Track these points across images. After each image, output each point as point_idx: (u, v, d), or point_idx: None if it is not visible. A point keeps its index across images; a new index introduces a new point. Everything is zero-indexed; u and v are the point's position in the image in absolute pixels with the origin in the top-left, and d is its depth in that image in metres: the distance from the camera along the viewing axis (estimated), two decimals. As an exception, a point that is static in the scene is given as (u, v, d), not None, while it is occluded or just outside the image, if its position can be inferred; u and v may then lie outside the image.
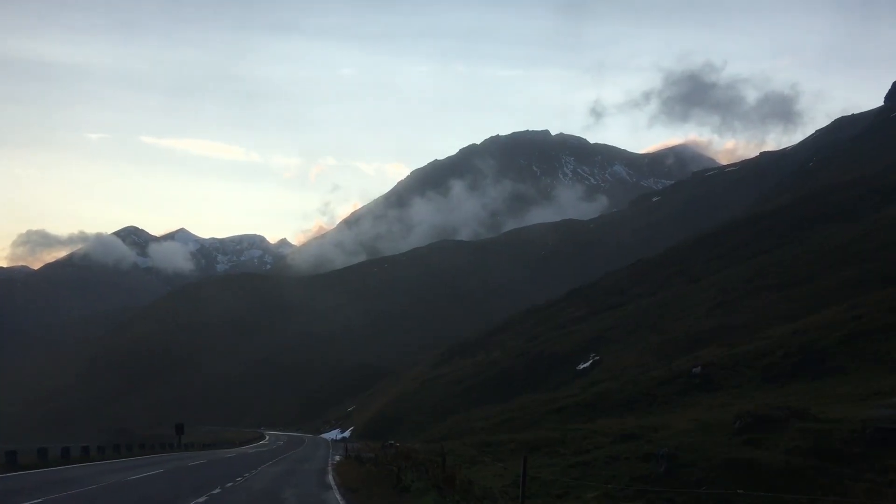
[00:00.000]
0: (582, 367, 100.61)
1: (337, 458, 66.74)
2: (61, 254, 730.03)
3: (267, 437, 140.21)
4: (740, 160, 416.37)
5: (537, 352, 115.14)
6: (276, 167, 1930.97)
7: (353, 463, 47.90)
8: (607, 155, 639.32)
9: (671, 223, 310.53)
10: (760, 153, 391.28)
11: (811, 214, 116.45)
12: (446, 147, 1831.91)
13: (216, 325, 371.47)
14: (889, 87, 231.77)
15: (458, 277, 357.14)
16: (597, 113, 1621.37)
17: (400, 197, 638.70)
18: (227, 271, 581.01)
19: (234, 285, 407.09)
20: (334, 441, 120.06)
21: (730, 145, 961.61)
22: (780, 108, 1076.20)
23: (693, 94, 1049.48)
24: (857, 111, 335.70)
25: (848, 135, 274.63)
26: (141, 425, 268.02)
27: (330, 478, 37.84)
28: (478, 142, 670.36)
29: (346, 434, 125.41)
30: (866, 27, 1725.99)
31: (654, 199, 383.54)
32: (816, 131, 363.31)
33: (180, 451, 74.78)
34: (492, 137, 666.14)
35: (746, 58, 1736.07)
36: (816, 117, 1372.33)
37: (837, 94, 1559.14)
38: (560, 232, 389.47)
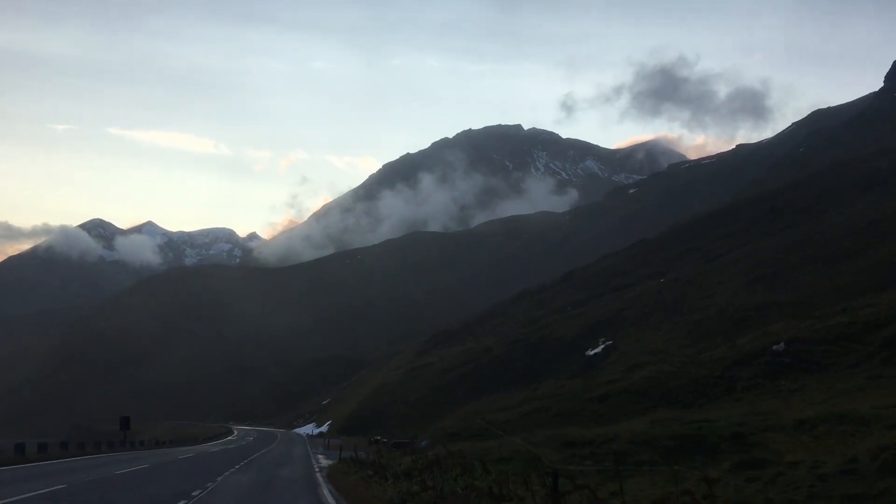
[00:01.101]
0: (592, 352, 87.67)
1: (321, 458, 52.77)
2: (25, 247, 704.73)
3: (235, 433, 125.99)
4: (715, 154, 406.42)
5: (537, 338, 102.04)
6: (246, 160, 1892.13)
7: (352, 469, 33.90)
8: (579, 150, 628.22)
9: (649, 214, 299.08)
10: (737, 146, 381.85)
11: (838, 186, 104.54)
12: (420, 141, 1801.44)
13: (182, 317, 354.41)
14: (889, 68, 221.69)
15: (432, 269, 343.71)
16: (568, 107, 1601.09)
17: (368, 190, 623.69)
18: (195, 265, 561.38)
19: (200, 277, 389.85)
20: (310, 437, 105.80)
21: (700, 141, 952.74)
22: (751, 104, 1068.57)
23: (665, 88, 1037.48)
24: (826, 105, 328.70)
25: (826, 126, 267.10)
26: (104, 420, 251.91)
27: (328, 496, 24.28)
28: (450, 135, 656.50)
29: (324, 429, 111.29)
30: (835, 24, 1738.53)
31: (631, 192, 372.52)
32: (793, 124, 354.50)
33: (125, 450, 60.17)
34: (464, 131, 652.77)
35: (719, 53, 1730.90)
36: (787, 113, 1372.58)
37: (807, 90, 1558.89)
38: (535, 223, 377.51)
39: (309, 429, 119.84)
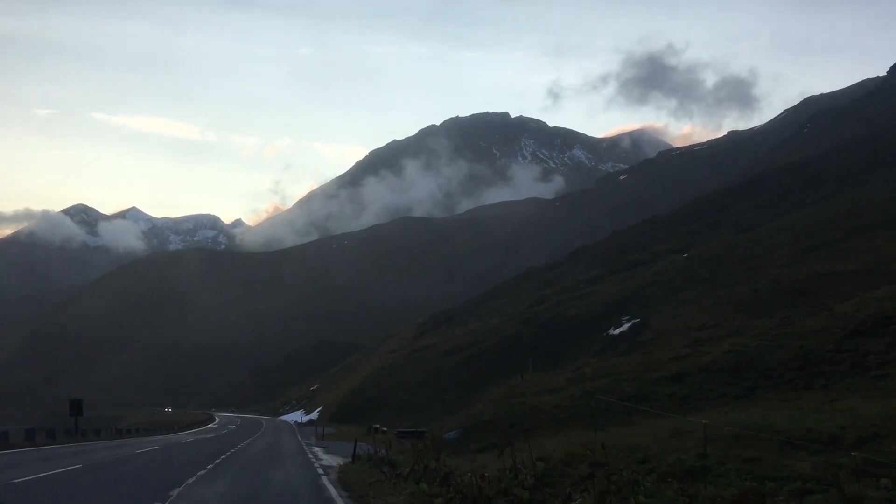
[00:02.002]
0: (616, 331, 77.27)
1: (319, 451, 41.98)
2: (6, 232, 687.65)
3: (217, 420, 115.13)
4: (706, 141, 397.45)
5: (548, 317, 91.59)
6: (232, 146, 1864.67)
7: (383, 476, 22.58)
8: (566, 138, 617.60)
9: (641, 199, 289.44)
10: (728, 132, 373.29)
11: (876, 156, 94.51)
12: (407, 128, 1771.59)
13: (166, 302, 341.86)
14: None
15: (420, 254, 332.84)
16: (555, 94, 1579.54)
17: (353, 177, 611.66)
18: (179, 250, 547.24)
19: (183, 262, 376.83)
20: (298, 424, 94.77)
21: (686, 130, 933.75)
22: (738, 93, 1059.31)
23: (652, 77, 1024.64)
24: (818, 93, 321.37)
25: (816, 112, 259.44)
26: (85, 406, 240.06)
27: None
28: (437, 123, 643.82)
29: (314, 416, 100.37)
30: (821, 14, 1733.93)
31: (622, 178, 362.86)
32: (785, 110, 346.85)
33: (72, 441, 48.65)
34: (451, 118, 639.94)
35: (707, 42, 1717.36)
36: (774, 101, 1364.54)
37: (796, 79, 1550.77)
38: (524, 210, 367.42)
39: (297, 416, 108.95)
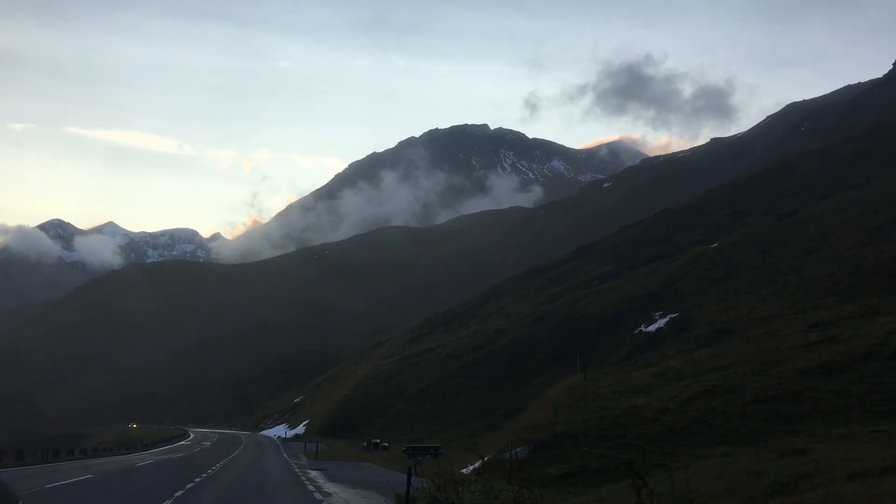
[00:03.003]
0: (651, 327, 66.26)
1: (320, 478, 30.23)
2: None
3: (191, 436, 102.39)
4: (689, 148, 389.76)
5: (564, 315, 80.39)
6: (210, 160, 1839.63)
7: None
8: (545, 150, 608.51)
9: (627, 205, 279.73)
10: (710, 139, 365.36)
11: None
12: (387, 141, 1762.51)
13: (139, 315, 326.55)
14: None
15: (402, 264, 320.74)
16: (532, 105, 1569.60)
17: (331, 189, 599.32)
18: (156, 262, 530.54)
19: (160, 275, 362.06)
20: (283, 440, 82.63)
21: (663, 141, 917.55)
22: (715, 103, 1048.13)
23: (630, 87, 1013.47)
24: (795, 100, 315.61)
25: (797, 120, 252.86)
26: (55, 423, 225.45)
27: None
28: (417, 135, 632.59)
29: (299, 430, 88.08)
30: (796, 25, 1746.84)
31: (605, 186, 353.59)
32: (767, 117, 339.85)
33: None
34: (431, 130, 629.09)
35: (684, 53, 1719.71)
36: (751, 112, 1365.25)
37: (773, 89, 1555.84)
38: (506, 218, 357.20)
39: (280, 430, 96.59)
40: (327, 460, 46.03)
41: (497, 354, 78.26)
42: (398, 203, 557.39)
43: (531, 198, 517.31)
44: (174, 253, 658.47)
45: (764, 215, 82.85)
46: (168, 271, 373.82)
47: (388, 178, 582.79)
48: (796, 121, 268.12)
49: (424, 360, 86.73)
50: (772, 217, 79.75)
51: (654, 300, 72.10)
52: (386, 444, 60.52)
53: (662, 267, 79.89)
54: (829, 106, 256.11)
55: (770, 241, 69.73)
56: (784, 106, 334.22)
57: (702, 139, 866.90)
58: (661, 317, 67.15)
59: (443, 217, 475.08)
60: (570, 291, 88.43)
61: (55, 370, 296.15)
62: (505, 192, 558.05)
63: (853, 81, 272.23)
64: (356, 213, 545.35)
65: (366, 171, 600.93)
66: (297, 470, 35.42)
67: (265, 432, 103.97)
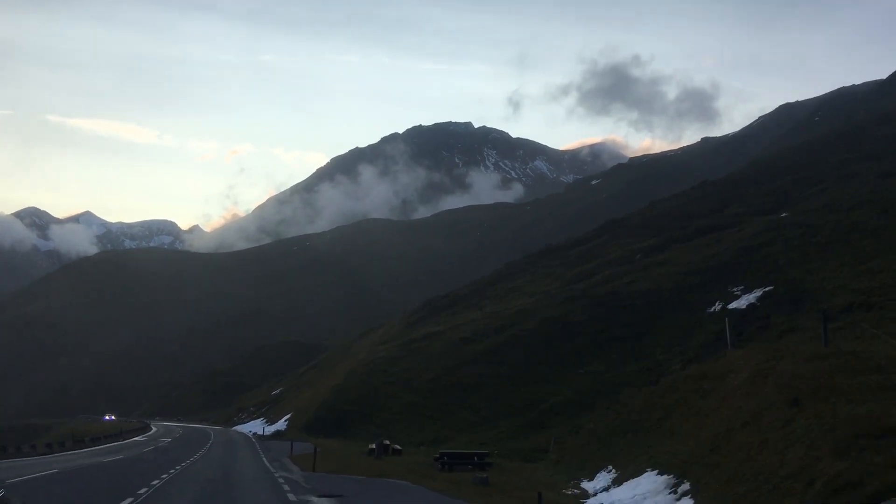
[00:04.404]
0: (733, 304, 51.25)
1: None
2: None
3: (153, 429, 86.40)
4: (679, 147, 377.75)
5: (605, 293, 65.26)
6: (191, 152, 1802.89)
7: None
8: (529, 149, 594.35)
9: (617, 201, 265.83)
10: (701, 139, 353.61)
11: None
12: (370, 137, 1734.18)
13: (113, 304, 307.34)
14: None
15: (387, 255, 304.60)
16: (515, 103, 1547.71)
17: (309, 184, 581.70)
18: (129, 250, 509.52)
19: (133, 262, 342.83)
20: (259, 438, 66.36)
21: (646, 143, 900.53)
22: (700, 106, 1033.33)
23: (615, 88, 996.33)
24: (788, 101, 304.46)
25: (793, 122, 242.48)
26: (18, 414, 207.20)
27: None
28: (400, 131, 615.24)
29: (280, 426, 71.86)
30: (782, 30, 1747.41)
31: (594, 183, 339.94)
32: (760, 117, 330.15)
33: None
34: (415, 127, 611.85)
35: (670, 55, 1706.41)
36: (735, 117, 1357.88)
37: (759, 93, 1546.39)
38: (492, 213, 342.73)
39: (256, 426, 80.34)
40: (330, 472, 30.09)
41: (525, 337, 62.98)
42: (376, 198, 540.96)
43: (512, 196, 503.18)
44: (151, 244, 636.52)
45: (842, 180, 68.35)
46: (143, 258, 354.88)
47: (367, 172, 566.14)
48: (789, 121, 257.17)
49: (432, 344, 71.10)
50: (879, 174, 65.06)
51: (729, 273, 57.16)
52: (398, 447, 44.67)
53: (726, 238, 65.06)
54: (824, 105, 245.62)
55: (885, 201, 55.20)
56: (777, 106, 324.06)
57: (685, 141, 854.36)
58: (745, 291, 52.17)
59: (421, 213, 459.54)
60: (607, 267, 73.40)
61: (22, 358, 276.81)
62: (485, 189, 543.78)
63: (845, 84, 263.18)
64: (333, 207, 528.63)
65: (345, 166, 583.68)
66: (292, 497, 19.63)
67: (239, 427, 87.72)
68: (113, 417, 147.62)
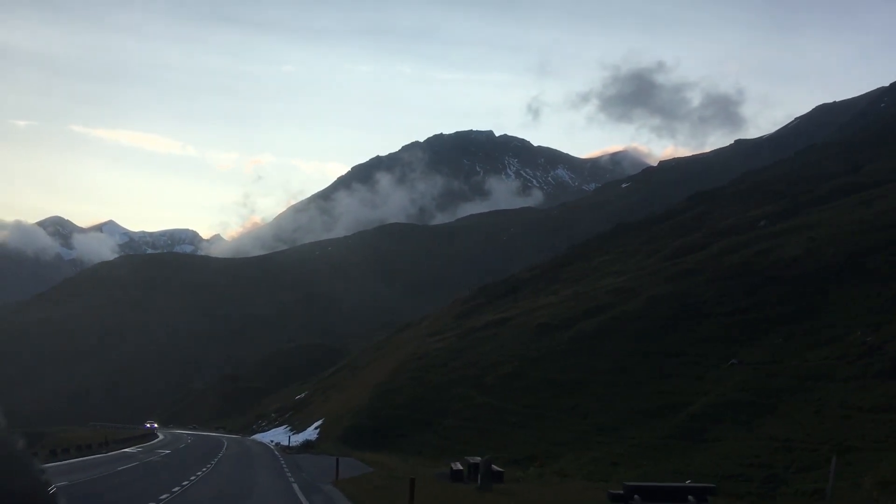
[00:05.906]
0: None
1: None
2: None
3: (159, 438, 71.36)
4: (711, 150, 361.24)
5: (733, 264, 49.35)
6: (212, 162, 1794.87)
7: None
8: (550, 158, 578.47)
9: (651, 202, 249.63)
10: (735, 141, 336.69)
11: None
12: (391, 146, 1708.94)
13: (132, 308, 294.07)
14: None
15: (408, 261, 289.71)
16: (534, 110, 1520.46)
17: (326, 193, 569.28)
18: (149, 254, 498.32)
19: (154, 267, 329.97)
20: (284, 450, 50.51)
21: (668, 151, 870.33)
22: (724, 113, 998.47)
23: (637, 94, 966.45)
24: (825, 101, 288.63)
25: (834, 120, 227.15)
26: (32, 420, 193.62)
27: None
28: (421, 140, 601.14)
29: (311, 435, 56.04)
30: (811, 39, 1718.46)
31: (624, 186, 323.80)
32: (796, 119, 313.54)
33: None
34: (435, 136, 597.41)
35: (695, 61, 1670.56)
36: (761, 122, 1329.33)
37: (780, 100, 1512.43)
38: (518, 217, 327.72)
39: (279, 435, 64.72)
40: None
41: (631, 322, 47.05)
42: (393, 205, 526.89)
43: (532, 202, 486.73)
44: (173, 253, 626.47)
45: None
46: (163, 263, 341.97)
47: (384, 180, 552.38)
48: (830, 122, 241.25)
49: (500, 332, 55.21)
50: None
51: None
52: (500, 470, 28.71)
53: (891, 193, 49.20)
54: (853, 106, 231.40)
55: None
56: (814, 107, 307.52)
57: (708, 148, 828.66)
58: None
59: (439, 220, 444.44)
60: (722, 237, 57.54)
61: (36, 365, 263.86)
62: (504, 196, 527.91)
63: (872, 87, 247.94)
64: (350, 215, 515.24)
65: (362, 174, 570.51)
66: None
67: (258, 436, 72.14)
68: (155, 425, 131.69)
